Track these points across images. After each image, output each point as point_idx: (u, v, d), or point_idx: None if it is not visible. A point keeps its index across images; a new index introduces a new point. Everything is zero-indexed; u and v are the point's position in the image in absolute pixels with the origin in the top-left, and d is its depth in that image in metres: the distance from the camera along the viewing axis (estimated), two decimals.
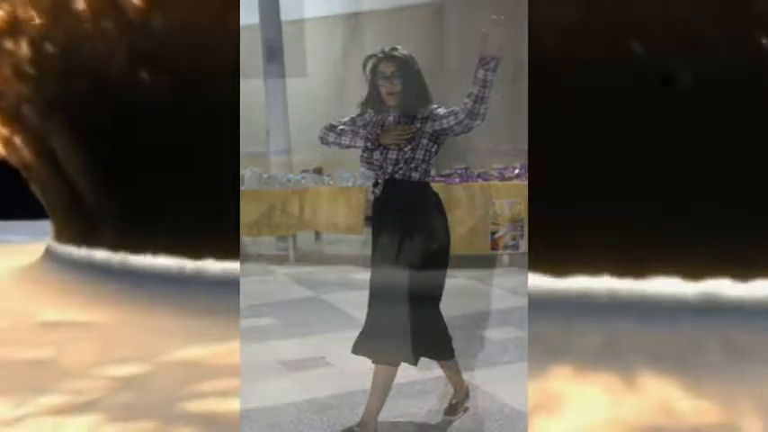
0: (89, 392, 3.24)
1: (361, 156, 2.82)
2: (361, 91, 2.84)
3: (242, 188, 6.63)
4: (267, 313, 4.96)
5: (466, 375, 3.18)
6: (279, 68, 8.53)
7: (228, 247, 4.80)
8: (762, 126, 3.90)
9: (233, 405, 3.01)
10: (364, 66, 2.79)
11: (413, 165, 2.72)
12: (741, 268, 4.02)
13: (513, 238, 6.30)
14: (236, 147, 4.79)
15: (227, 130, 4.54)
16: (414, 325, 2.69)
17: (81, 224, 6.40)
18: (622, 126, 3.90)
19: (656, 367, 3.23)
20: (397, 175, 2.73)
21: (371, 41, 8.41)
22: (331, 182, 7.00)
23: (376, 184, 2.79)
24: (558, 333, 3.65)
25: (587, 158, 3.94)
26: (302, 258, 7.06)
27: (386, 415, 2.88)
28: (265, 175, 7.31)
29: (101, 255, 6.01)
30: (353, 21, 9.46)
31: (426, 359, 2.90)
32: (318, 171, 7.41)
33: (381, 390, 2.77)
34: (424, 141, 2.71)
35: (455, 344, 2.92)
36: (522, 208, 6.18)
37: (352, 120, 2.86)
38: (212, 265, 5.18)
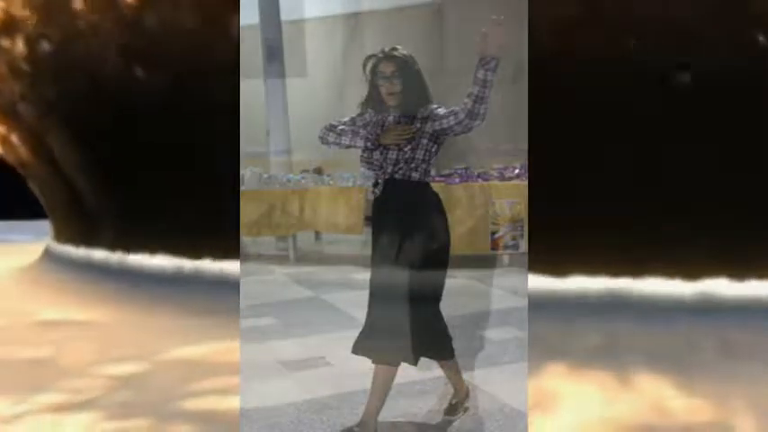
0: (87, 391, 3.25)
1: (361, 156, 2.82)
2: (361, 91, 2.84)
3: (242, 188, 6.63)
4: (267, 313, 4.96)
5: (466, 375, 3.18)
6: (279, 68, 8.52)
7: (228, 247, 4.80)
8: (762, 126, 3.90)
9: (231, 403, 3.02)
10: (364, 66, 2.79)
11: (413, 165, 2.72)
12: (741, 268, 4.02)
13: (513, 238, 6.30)
14: (236, 147, 4.79)
15: (227, 129, 4.54)
16: (414, 325, 2.69)
17: (80, 224, 6.40)
18: (622, 126, 3.91)
19: (652, 367, 3.24)
20: (397, 175, 2.73)
21: (371, 41, 8.40)
22: (331, 182, 7.00)
23: (376, 184, 2.79)
24: (557, 333, 3.66)
25: (587, 158, 3.94)
26: (302, 258, 7.06)
27: (386, 415, 2.88)
28: (265, 175, 7.31)
29: (100, 254, 6.00)
30: (353, 21, 9.46)
31: (426, 359, 2.90)
32: (318, 171, 7.40)
33: (381, 390, 2.77)
34: (424, 141, 2.71)
35: (455, 344, 2.91)
36: (522, 208, 6.17)
37: (352, 120, 2.86)
38: (212, 265, 5.18)
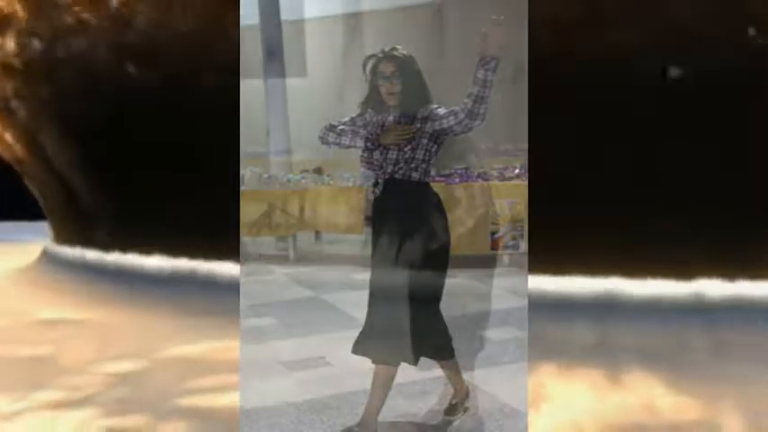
0: (86, 388, 3.27)
1: (361, 156, 2.82)
2: (361, 91, 2.84)
3: (242, 188, 6.63)
4: (267, 313, 4.96)
5: (466, 375, 3.18)
6: (279, 68, 8.52)
7: (227, 248, 4.79)
8: (762, 126, 3.90)
9: (228, 400, 3.02)
10: (364, 66, 2.79)
11: (413, 165, 2.72)
12: (741, 268, 4.02)
13: (513, 238, 6.30)
14: (236, 147, 4.79)
15: (226, 129, 4.54)
16: (414, 325, 2.69)
17: (77, 224, 6.39)
18: (622, 126, 3.90)
19: (650, 367, 3.24)
20: (397, 175, 2.73)
21: (371, 41, 8.40)
22: (331, 182, 7.00)
23: (376, 184, 2.79)
24: (556, 333, 3.66)
25: (587, 158, 3.94)
26: (302, 258, 7.05)
27: (386, 415, 2.88)
28: (265, 175, 7.31)
29: (97, 255, 6.00)
30: (353, 21, 9.45)
31: (426, 359, 2.90)
32: (318, 171, 7.40)
33: (381, 390, 2.77)
34: (424, 141, 2.71)
35: (455, 344, 2.92)
36: (522, 208, 6.17)
37: (352, 120, 2.86)
38: (211, 266, 5.18)
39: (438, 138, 2.72)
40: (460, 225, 6.10)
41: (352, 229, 6.73)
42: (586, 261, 4.04)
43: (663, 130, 3.90)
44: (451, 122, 2.64)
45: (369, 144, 2.77)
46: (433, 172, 2.97)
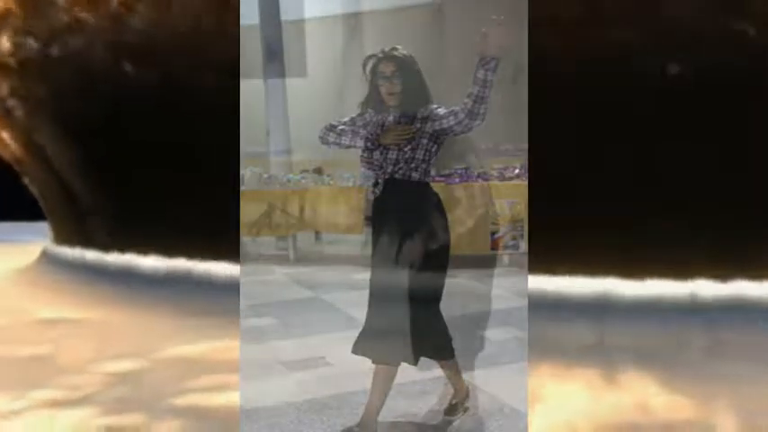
0: (84, 387, 3.28)
1: (361, 156, 2.82)
2: (362, 91, 2.84)
3: (242, 188, 6.63)
4: (267, 313, 4.96)
5: (466, 375, 3.18)
6: (279, 68, 8.52)
7: (225, 249, 4.79)
8: (762, 126, 3.90)
9: (226, 399, 3.03)
10: (364, 66, 2.79)
11: (413, 165, 2.72)
12: (741, 268, 4.02)
13: (513, 238, 6.30)
14: (236, 147, 4.79)
15: (226, 129, 4.54)
16: (414, 325, 2.69)
17: (76, 225, 6.39)
18: (622, 126, 3.90)
19: (649, 366, 3.24)
20: (397, 175, 2.73)
21: (371, 41, 8.41)
22: (331, 182, 7.00)
23: (376, 184, 2.79)
24: (556, 333, 3.66)
25: (587, 158, 3.94)
26: (302, 258, 7.06)
27: (386, 415, 2.88)
28: (265, 175, 7.31)
29: (97, 255, 6.00)
30: (353, 21, 9.46)
31: (426, 359, 2.90)
32: (318, 171, 7.40)
33: (381, 390, 2.77)
34: (424, 141, 2.71)
35: (455, 344, 2.92)
36: (522, 208, 6.17)
37: (352, 120, 2.86)
38: (210, 266, 5.18)
39: (438, 138, 2.72)
40: (460, 225, 6.10)
41: (352, 229, 6.73)
42: (586, 261, 4.04)
43: (663, 130, 3.90)
44: (451, 122, 2.64)
45: (369, 144, 2.77)
46: (433, 172, 2.97)
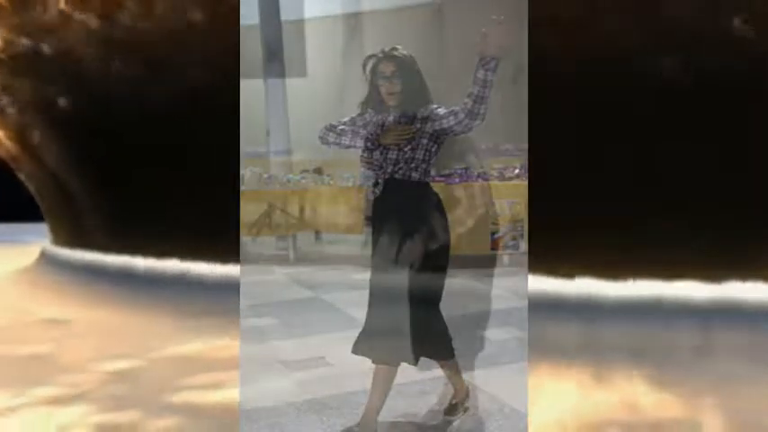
0: (83, 385, 3.30)
1: (361, 156, 2.82)
2: (361, 91, 2.84)
3: (242, 188, 6.63)
4: (267, 313, 4.96)
5: (466, 375, 3.18)
6: (279, 68, 8.52)
7: (225, 249, 4.79)
8: (762, 126, 3.90)
9: (223, 396, 3.03)
10: (364, 66, 2.79)
11: (413, 165, 2.71)
12: (741, 268, 4.02)
13: (513, 238, 6.30)
14: (236, 147, 4.79)
15: (226, 129, 4.54)
16: (414, 325, 2.69)
17: (74, 226, 6.39)
18: (622, 126, 3.90)
19: (649, 367, 3.24)
20: (397, 175, 2.72)
21: (371, 41, 8.40)
22: (331, 182, 7.01)
23: (376, 184, 2.78)
24: (556, 333, 3.66)
25: (587, 158, 3.94)
26: (302, 258, 7.06)
27: (386, 415, 2.88)
28: (265, 176, 7.31)
29: (96, 256, 6.00)
30: (353, 21, 9.46)
31: (426, 359, 2.90)
32: (318, 171, 7.41)
33: (381, 390, 2.77)
34: (424, 141, 2.71)
35: (455, 344, 2.91)
36: (522, 208, 6.17)
37: (352, 120, 2.86)
38: (209, 267, 5.18)
39: (438, 138, 2.72)
40: (460, 225, 6.10)
41: (352, 229, 6.74)
42: (586, 261, 4.04)
43: (663, 130, 3.90)
44: (451, 122, 2.64)
45: (369, 144, 2.77)
46: (433, 172, 2.97)
